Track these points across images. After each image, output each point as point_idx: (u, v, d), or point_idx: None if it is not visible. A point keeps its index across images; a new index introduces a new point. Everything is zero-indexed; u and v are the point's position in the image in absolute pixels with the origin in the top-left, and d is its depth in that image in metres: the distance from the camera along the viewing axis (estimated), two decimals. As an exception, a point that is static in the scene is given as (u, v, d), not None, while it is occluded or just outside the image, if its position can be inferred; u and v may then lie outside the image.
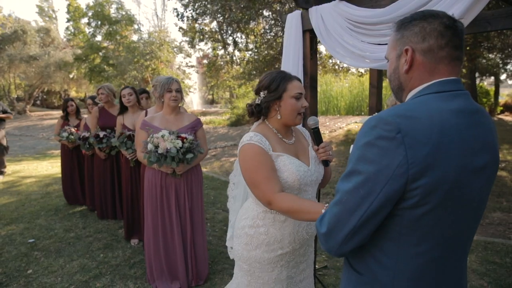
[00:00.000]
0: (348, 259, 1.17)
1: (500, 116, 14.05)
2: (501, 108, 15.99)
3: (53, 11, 28.21)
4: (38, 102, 30.35)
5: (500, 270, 3.36)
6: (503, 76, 18.26)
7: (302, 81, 1.86)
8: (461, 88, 1.06)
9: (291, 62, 3.09)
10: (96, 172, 4.88)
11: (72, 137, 5.26)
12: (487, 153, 1.03)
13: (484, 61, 14.66)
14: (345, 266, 1.20)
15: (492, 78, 18.02)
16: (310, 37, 3.16)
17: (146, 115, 3.53)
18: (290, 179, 1.66)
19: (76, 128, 5.38)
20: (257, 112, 1.78)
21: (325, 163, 1.79)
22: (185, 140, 2.89)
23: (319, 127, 1.84)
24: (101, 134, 4.50)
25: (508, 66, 16.32)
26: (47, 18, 27.56)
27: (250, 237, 1.77)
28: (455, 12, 2.18)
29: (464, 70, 13.33)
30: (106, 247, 3.99)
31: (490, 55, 13.98)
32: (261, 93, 1.75)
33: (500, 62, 15.62)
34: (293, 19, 3.11)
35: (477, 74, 15.89)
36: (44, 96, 30.68)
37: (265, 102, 1.74)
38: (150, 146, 2.84)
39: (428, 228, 0.99)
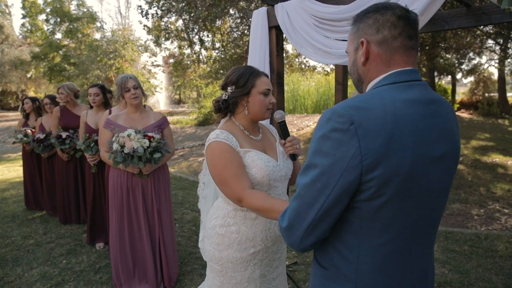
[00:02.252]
0: (315, 254, 1.17)
1: (456, 113, 14.82)
2: (458, 105, 16.89)
3: (6, 6, 26.68)
4: (-9, 103, 28.62)
5: (459, 258, 3.53)
6: (459, 75, 19.26)
7: (269, 78, 1.86)
8: (417, 78, 1.06)
9: (258, 58, 3.08)
10: (58, 175, 4.64)
11: (26, 139, 4.95)
12: (445, 142, 1.03)
13: (441, 60, 15.39)
14: (313, 261, 1.19)
15: (449, 77, 18.98)
16: (276, 34, 3.16)
17: (110, 113, 3.41)
18: (259, 175, 1.63)
19: (33, 130, 5.10)
20: (224, 108, 1.74)
21: (293, 157, 1.79)
22: (152, 139, 2.80)
23: (286, 124, 1.83)
24: (64, 134, 4.30)
25: (463, 66, 17.26)
26: (-1, 14, 26.03)
27: (221, 236, 1.72)
28: (415, 9, 2.25)
29: (424, 69, 13.94)
30: (69, 253, 3.81)
31: (447, 55, 14.70)
32: (229, 88, 1.71)
33: (456, 62, 16.50)
34: (259, 16, 3.10)
35: (435, 73, 16.68)
36: (-1, 97, 28.97)
37: (233, 97, 1.70)
38: (115, 146, 2.72)
39: (387, 219, 0.98)
